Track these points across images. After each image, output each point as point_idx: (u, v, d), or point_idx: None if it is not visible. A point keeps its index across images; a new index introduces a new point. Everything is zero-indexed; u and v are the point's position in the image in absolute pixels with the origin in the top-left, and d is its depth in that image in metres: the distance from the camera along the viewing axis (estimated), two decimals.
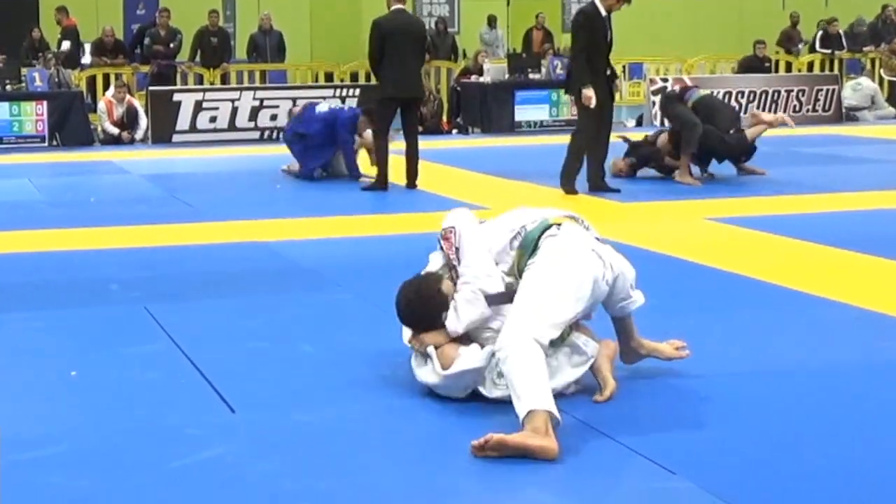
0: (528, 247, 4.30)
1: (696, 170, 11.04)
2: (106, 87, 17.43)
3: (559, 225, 4.33)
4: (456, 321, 4.34)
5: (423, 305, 4.41)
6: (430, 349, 4.37)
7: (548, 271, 4.19)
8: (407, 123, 11.04)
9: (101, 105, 16.27)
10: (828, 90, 18.63)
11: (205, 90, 16.93)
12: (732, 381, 4.62)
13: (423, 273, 4.55)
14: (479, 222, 4.62)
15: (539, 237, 4.31)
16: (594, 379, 4.43)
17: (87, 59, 18.91)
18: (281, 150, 14.79)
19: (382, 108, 10.93)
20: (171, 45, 18.02)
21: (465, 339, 4.41)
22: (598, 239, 4.42)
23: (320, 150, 11.68)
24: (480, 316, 4.34)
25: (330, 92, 16.79)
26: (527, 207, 4.58)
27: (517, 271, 4.32)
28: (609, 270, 4.31)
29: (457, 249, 4.43)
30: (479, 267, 4.36)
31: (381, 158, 10.78)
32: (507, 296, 4.30)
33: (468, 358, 4.29)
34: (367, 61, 11.43)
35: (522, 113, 17.36)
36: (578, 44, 10.22)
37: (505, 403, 4.04)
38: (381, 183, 10.76)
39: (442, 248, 4.50)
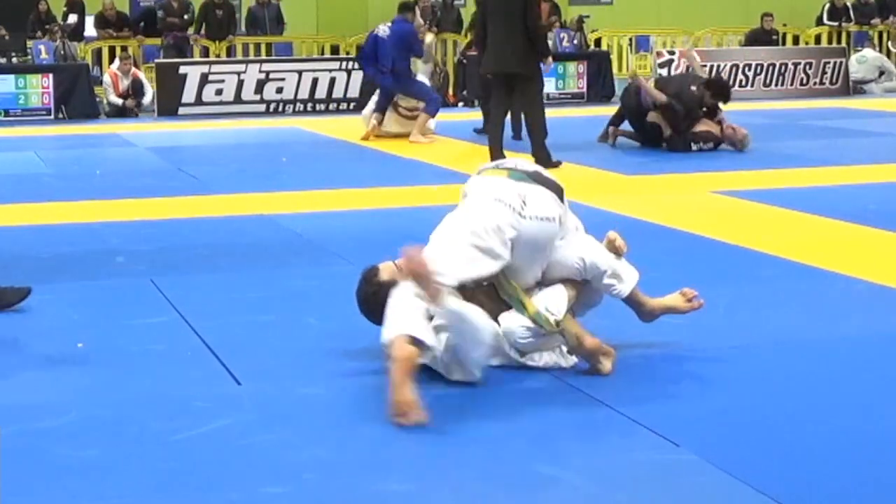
0: None
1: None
2: (111, 59, 17.40)
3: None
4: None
5: (379, 299, 4.40)
6: None
7: (447, 225, 4.34)
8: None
9: (107, 78, 16.24)
10: (835, 63, 18.55)
11: (210, 63, 16.89)
12: (737, 354, 4.62)
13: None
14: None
15: None
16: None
17: (89, 31, 18.79)
18: (286, 123, 14.81)
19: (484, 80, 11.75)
20: (185, 17, 18.01)
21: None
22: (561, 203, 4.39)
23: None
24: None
25: (336, 65, 16.76)
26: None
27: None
28: (519, 217, 4.24)
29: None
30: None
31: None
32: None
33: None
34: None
35: None
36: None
37: (512, 371, 4.03)
38: None
39: None
